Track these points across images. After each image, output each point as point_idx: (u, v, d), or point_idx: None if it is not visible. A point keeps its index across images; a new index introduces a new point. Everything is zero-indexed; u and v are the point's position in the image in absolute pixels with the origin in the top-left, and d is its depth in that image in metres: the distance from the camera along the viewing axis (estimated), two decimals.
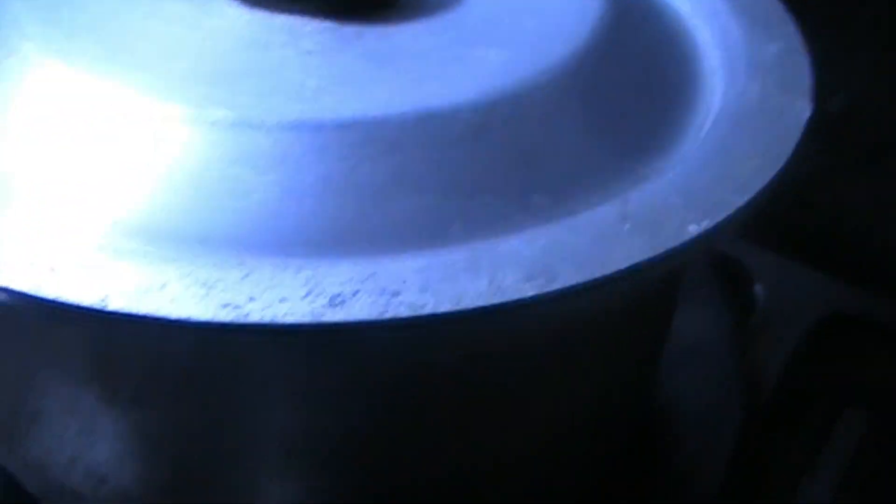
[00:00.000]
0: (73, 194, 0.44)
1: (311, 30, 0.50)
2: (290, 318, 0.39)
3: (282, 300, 0.39)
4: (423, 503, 0.51)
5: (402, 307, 0.39)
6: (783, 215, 0.82)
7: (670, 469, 0.64)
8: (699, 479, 0.64)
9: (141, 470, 0.50)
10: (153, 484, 0.51)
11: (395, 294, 0.40)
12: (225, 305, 0.39)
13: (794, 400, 0.74)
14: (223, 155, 0.45)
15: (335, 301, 0.39)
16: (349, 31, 0.50)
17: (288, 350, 0.43)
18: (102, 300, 0.39)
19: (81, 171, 0.45)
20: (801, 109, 0.51)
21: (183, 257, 0.42)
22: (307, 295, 0.40)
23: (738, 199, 0.45)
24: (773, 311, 0.80)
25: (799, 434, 0.73)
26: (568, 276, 0.41)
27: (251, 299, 0.40)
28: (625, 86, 0.51)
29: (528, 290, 0.40)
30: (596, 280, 0.41)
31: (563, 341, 0.49)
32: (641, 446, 0.64)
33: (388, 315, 0.39)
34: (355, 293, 0.40)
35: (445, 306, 0.39)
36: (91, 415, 0.49)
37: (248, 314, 0.39)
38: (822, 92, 0.52)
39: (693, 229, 0.43)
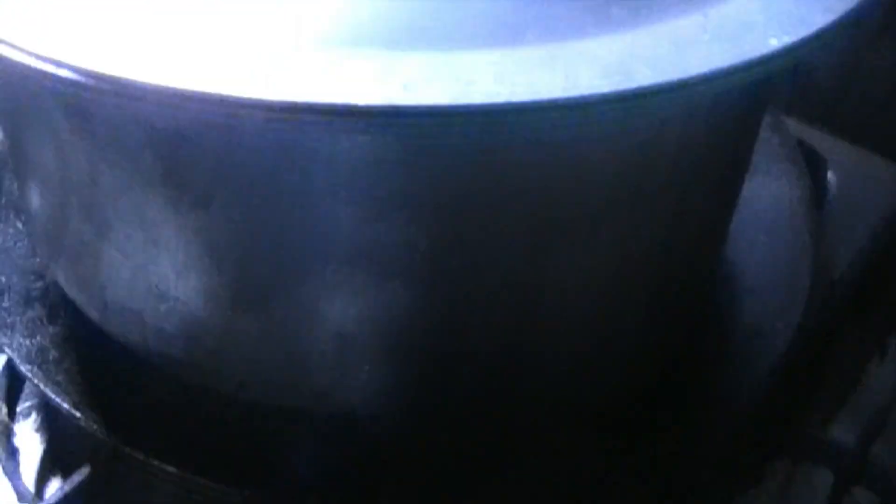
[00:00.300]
0: None
1: None
2: (364, 101, 0.38)
3: (355, 84, 0.38)
4: (484, 321, 0.50)
5: (476, 95, 0.38)
6: (858, 105, 0.81)
7: (735, 336, 0.63)
8: (763, 348, 0.62)
9: (202, 282, 0.50)
10: (214, 298, 0.50)
11: (470, 83, 0.39)
12: (292, 86, 0.38)
13: (864, 285, 0.73)
14: None
15: (409, 87, 0.38)
16: None
17: (357, 144, 0.42)
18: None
19: None
20: None
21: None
22: (379, 80, 0.39)
23: (823, 19, 0.44)
24: (846, 200, 0.79)
25: (870, 317, 0.72)
26: (645, 77, 0.40)
27: (321, 86, 0.38)
28: None
29: (605, 87, 0.39)
30: (674, 82, 0.40)
31: (635, 172, 0.48)
32: (707, 312, 0.63)
33: (463, 101, 0.38)
34: (429, 80, 0.39)
35: (520, 96, 0.38)
36: (157, 223, 0.48)
37: (318, 97, 0.38)
38: None
39: (774, 43, 0.42)
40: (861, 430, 0.63)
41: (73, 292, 0.58)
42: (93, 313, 0.57)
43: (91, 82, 0.39)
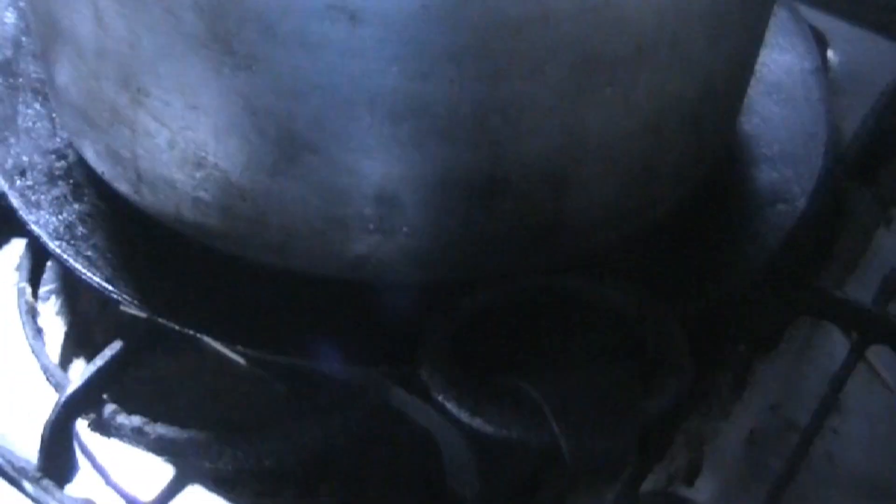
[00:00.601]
0: None
1: None
2: None
3: None
4: (525, 174, 0.51)
5: None
6: None
7: (755, 191, 0.64)
8: (781, 211, 0.63)
9: (242, 146, 0.50)
10: (253, 162, 0.50)
11: None
12: None
13: (867, 159, 0.74)
14: None
15: None
16: None
17: None
18: None
19: None
20: None
21: None
22: None
23: None
24: (846, 77, 0.79)
25: (877, 183, 0.73)
26: None
27: None
28: None
29: None
30: None
31: (669, 20, 0.49)
32: (728, 170, 0.63)
33: None
34: None
35: None
36: (197, 87, 0.48)
37: None
38: None
39: None
40: (877, 290, 0.64)
41: (103, 166, 0.57)
42: (124, 187, 0.57)
43: None
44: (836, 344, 0.66)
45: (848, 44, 0.82)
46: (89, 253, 0.58)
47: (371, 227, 0.52)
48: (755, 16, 0.56)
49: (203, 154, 0.51)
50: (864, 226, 0.73)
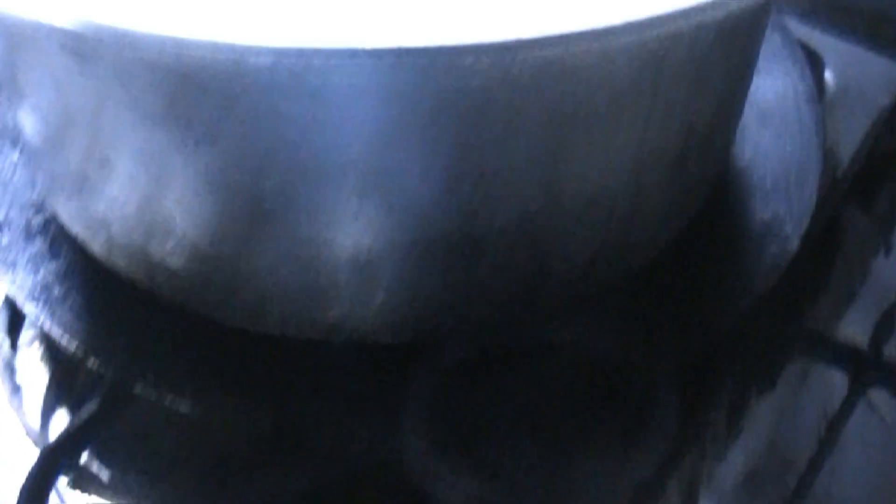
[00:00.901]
0: None
1: None
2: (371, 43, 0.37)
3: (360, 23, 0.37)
4: (504, 241, 0.50)
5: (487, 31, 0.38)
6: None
7: (746, 229, 0.62)
8: (774, 241, 0.62)
9: (210, 219, 0.49)
10: (222, 234, 0.49)
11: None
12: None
13: (866, 181, 0.73)
14: None
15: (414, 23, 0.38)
16: None
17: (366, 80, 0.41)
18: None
19: None
20: None
21: None
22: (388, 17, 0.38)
23: None
24: (844, 97, 0.78)
25: (875, 207, 0.72)
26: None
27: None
28: None
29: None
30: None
31: (647, 70, 0.46)
32: (719, 204, 0.62)
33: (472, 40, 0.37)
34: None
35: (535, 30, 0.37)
36: (161, 161, 0.47)
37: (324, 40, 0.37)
38: None
39: None
40: (873, 331, 0.63)
41: (75, 228, 0.57)
42: (97, 249, 0.56)
43: (91, 33, 0.38)
44: (835, 377, 0.65)
45: (844, 62, 0.81)
46: (65, 314, 0.57)
47: (346, 294, 0.51)
48: (742, 55, 0.55)
49: (171, 225, 0.50)
50: (862, 253, 0.71)
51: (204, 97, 0.44)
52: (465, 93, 0.44)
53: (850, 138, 0.76)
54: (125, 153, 0.49)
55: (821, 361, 0.63)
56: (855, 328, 0.66)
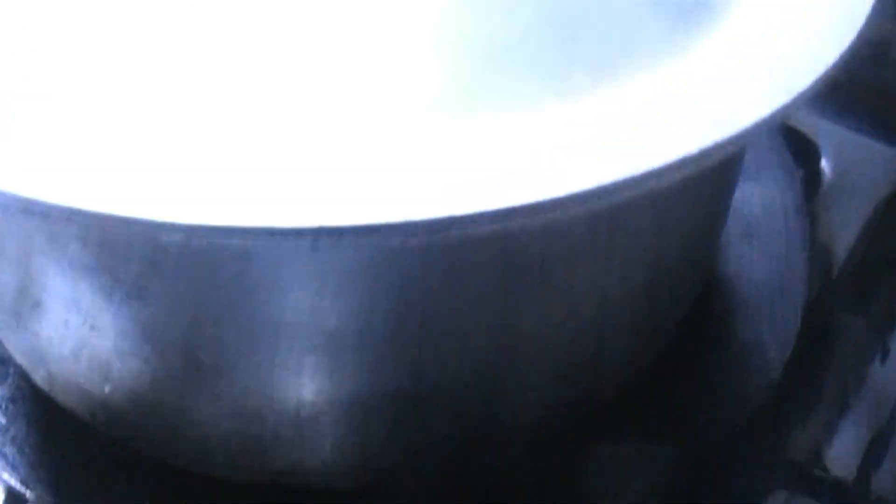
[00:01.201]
0: None
1: None
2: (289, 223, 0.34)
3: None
4: (454, 392, 0.48)
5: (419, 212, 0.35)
6: (852, 86, 0.77)
7: (731, 345, 0.59)
8: (761, 356, 0.59)
9: (145, 367, 0.46)
10: (159, 382, 0.47)
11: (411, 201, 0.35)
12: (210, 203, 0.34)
13: (862, 276, 0.70)
14: None
15: (348, 203, 0.35)
16: None
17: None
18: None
19: None
20: None
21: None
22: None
23: (804, 79, 0.39)
24: (841, 187, 0.75)
25: (868, 312, 0.69)
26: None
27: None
28: None
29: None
30: (624, 181, 0.36)
31: (604, 223, 0.44)
32: (701, 321, 0.59)
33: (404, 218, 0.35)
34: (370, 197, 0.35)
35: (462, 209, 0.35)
36: (93, 308, 0.45)
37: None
38: None
39: (745, 116, 0.38)
40: (860, 462, 0.60)
41: (19, 359, 0.54)
42: (39, 381, 0.53)
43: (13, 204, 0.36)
44: None
45: (841, 149, 0.78)
46: (6, 449, 0.54)
47: (292, 444, 0.48)
48: (717, 192, 0.52)
49: (108, 370, 0.47)
50: (856, 361, 0.68)
51: (129, 253, 0.42)
52: (404, 253, 0.41)
53: (845, 234, 0.73)
54: (57, 298, 0.47)
55: (805, 495, 0.60)
56: (844, 450, 0.62)
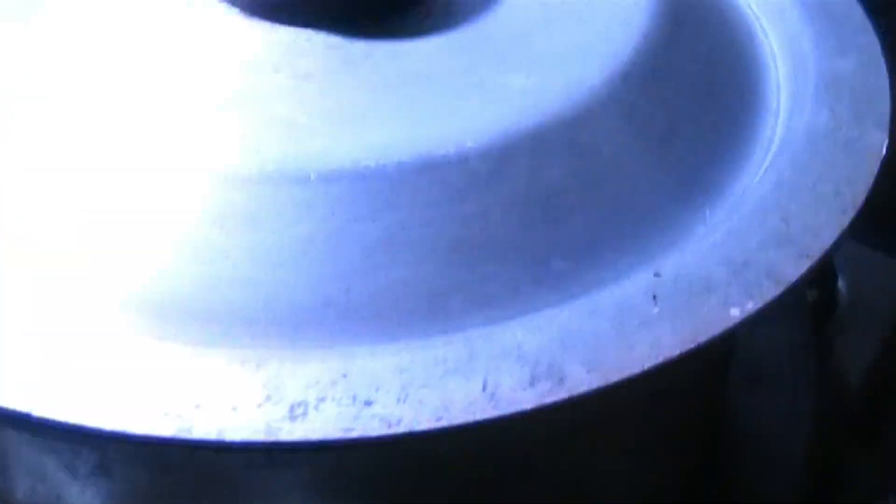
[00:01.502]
0: None
1: (314, 46, 0.43)
2: (240, 435, 0.32)
3: (234, 408, 0.33)
4: None
5: (373, 421, 0.33)
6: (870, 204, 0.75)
7: (738, 487, 0.57)
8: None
9: None
10: None
11: (368, 403, 0.33)
12: (167, 414, 0.33)
13: (879, 401, 0.68)
14: (184, 210, 0.38)
15: (296, 412, 0.33)
16: (357, 48, 0.44)
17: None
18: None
19: None
20: (876, 143, 0.43)
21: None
22: (265, 401, 0.33)
23: (794, 272, 0.38)
24: (858, 308, 0.73)
25: (881, 446, 0.67)
26: (577, 380, 0.34)
27: (198, 406, 0.33)
28: (672, 114, 0.44)
29: (527, 402, 0.34)
30: (610, 386, 0.34)
31: (584, 442, 0.42)
32: (706, 468, 0.57)
33: (356, 434, 0.33)
34: (321, 401, 0.34)
35: (424, 423, 0.33)
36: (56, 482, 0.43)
37: (191, 427, 0.32)
38: None
39: (735, 314, 0.36)
40: None
41: None
42: None
43: None
44: None
45: (858, 270, 0.76)
46: None
47: None
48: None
49: None
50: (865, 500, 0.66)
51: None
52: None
53: (858, 360, 0.71)
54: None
55: None
56: None
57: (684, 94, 0.45)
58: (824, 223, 0.40)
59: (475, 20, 0.46)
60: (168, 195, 0.39)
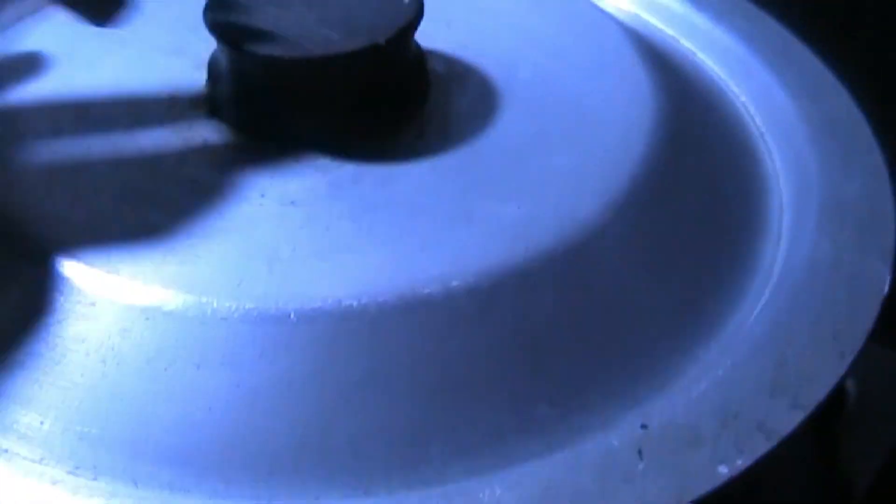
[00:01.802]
0: None
1: (303, 167, 0.42)
2: None
3: None
4: None
5: None
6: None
7: None
8: None
9: None
10: None
11: None
12: None
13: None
14: (159, 347, 0.37)
15: None
16: (346, 172, 0.43)
17: None
18: None
19: None
20: (878, 279, 0.42)
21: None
22: None
23: (786, 424, 0.37)
24: (867, 407, 0.72)
25: None
26: None
27: None
28: (668, 246, 0.43)
29: None
30: None
31: None
32: None
33: None
34: None
35: None
36: None
37: None
38: None
39: (723, 471, 0.35)
40: None
41: None
42: None
43: None
44: None
45: (866, 367, 0.74)
46: None
47: None
48: None
49: None
50: None
51: None
52: None
53: (872, 453, 0.70)
54: None
55: None
56: None
57: (682, 223, 0.44)
58: (820, 370, 0.39)
59: (469, 142, 0.44)
60: (145, 331, 0.37)
